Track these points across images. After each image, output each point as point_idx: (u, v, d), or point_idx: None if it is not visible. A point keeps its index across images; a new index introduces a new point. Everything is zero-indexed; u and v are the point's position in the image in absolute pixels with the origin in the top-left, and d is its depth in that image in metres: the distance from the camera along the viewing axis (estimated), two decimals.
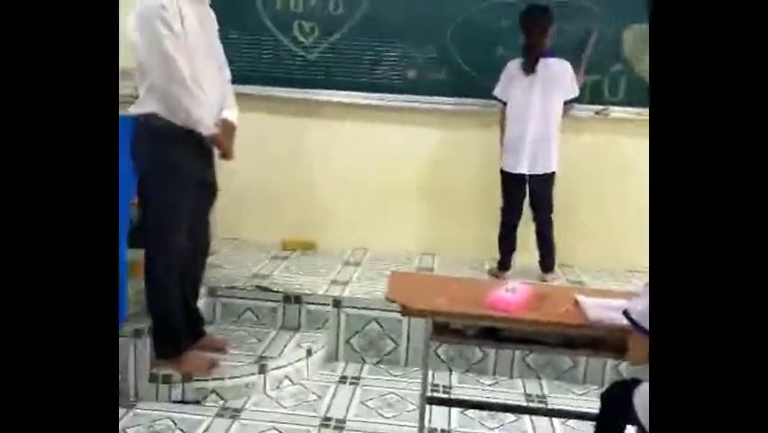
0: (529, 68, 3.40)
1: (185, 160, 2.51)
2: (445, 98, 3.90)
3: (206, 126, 2.51)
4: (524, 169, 3.47)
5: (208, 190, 2.72)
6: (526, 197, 3.56)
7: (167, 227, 2.54)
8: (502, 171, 3.56)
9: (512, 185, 3.54)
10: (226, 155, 2.64)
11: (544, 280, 3.52)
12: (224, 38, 2.75)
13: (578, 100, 3.58)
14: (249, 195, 4.02)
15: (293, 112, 4.01)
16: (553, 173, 3.50)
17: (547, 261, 3.59)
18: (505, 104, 3.52)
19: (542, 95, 3.41)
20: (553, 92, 3.42)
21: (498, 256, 3.66)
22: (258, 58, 3.94)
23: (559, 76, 3.42)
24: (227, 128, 2.63)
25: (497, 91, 3.55)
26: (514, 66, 3.48)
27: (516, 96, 3.46)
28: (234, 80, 2.79)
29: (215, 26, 2.67)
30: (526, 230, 3.61)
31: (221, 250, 3.82)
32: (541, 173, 3.47)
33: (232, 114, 2.67)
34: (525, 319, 2.04)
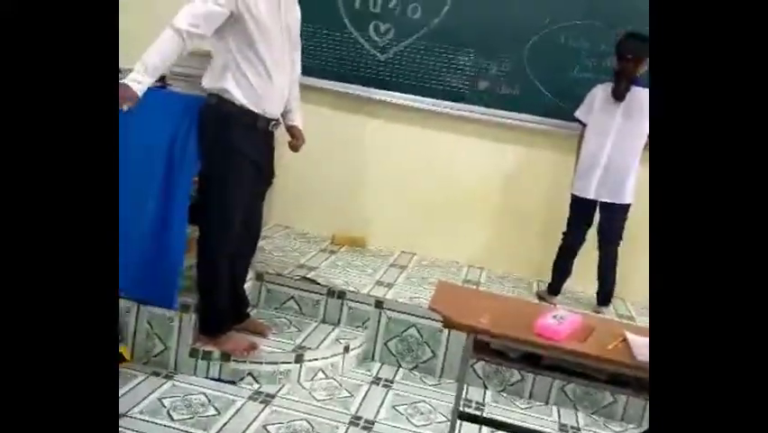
0: (619, 94, 3.29)
1: (247, 144, 2.56)
2: (514, 113, 3.85)
3: (273, 114, 2.61)
4: (591, 194, 3.37)
5: (266, 176, 2.77)
6: (593, 225, 3.48)
7: (224, 208, 2.59)
8: (572, 196, 3.47)
9: (578, 209, 3.45)
10: (295, 150, 2.83)
11: (598, 312, 3.43)
12: (301, 29, 2.79)
13: None
14: (305, 186, 4.07)
15: (357, 109, 4.03)
16: (628, 205, 3.38)
17: (605, 293, 3.49)
18: (584, 126, 3.43)
19: (625, 121, 3.30)
20: (639, 120, 3.29)
21: (549, 279, 3.59)
22: (330, 53, 3.97)
23: (647, 105, 3.29)
24: (299, 136, 2.84)
25: (579, 112, 3.45)
26: (601, 90, 3.38)
27: (598, 119, 3.36)
28: (304, 71, 2.84)
29: (297, 14, 2.71)
30: (587, 258, 3.52)
31: (272, 237, 3.88)
32: (611, 202, 3.36)
33: (299, 117, 2.86)
34: (572, 351, 1.99)
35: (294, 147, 2.86)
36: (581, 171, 3.41)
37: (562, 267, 3.53)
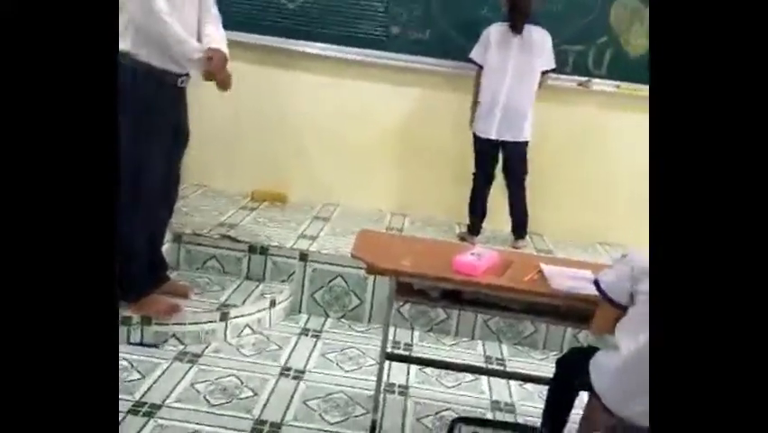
0: (518, 27, 3.33)
1: (157, 103, 2.45)
2: (426, 58, 3.84)
3: (194, 59, 2.43)
4: (494, 134, 3.45)
5: (180, 135, 2.66)
6: (499, 163, 3.56)
7: (138, 171, 2.48)
8: (474, 136, 3.54)
9: (484, 150, 3.53)
10: (223, 86, 2.56)
11: (516, 248, 3.55)
12: None
13: (560, 71, 3.56)
14: (219, 143, 3.94)
15: (269, 61, 3.91)
16: (527, 142, 3.49)
17: (519, 228, 3.61)
18: (481, 67, 3.47)
19: (520, 62, 3.38)
20: (533, 60, 3.39)
21: (468, 221, 3.67)
22: (239, 5, 3.81)
23: (539, 44, 3.39)
24: (220, 58, 2.51)
25: (474, 54, 3.49)
26: (495, 30, 3.43)
27: (494, 60, 3.41)
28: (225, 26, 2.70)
29: None
30: (500, 196, 3.62)
31: (188, 196, 3.76)
32: (513, 140, 3.46)
33: (223, 46, 2.57)
34: (490, 285, 2.05)
35: (209, 76, 2.49)
36: (483, 112, 3.47)
37: (478, 207, 3.62)
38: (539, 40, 3.38)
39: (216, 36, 2.59)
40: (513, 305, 2.17)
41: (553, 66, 3.46)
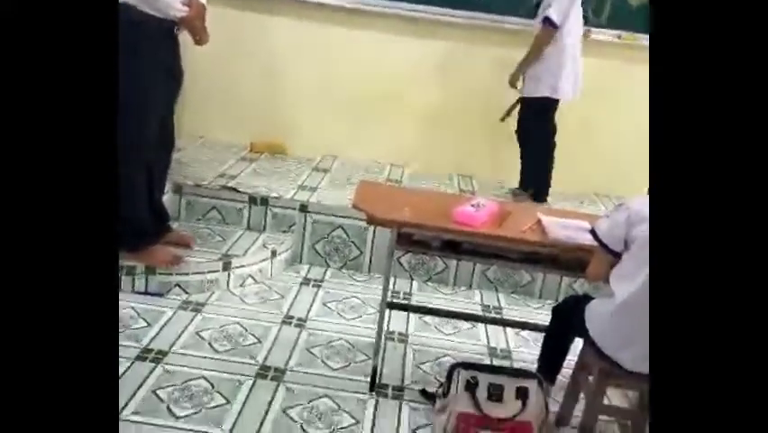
0: None
1: (152, 48, 2.45)
2: (428, 6, 3.78)
3: (177, 9, 2.43)
4: (571, 96, 3.40)
5: (176, 81, 2.65)
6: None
7: (136, 119, 2.48)
8: (549, 99, 3.39)
9: (551, 111, 3.46)
10: (200, 38, 2.57)
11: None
12: None
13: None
14: (217, 93, 3.91)
15: (267, 9, 3.85)
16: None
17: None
18: (556, 28, 3.24)
19: (581, 22, 3.35)
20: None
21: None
22: None
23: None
24: (197, 8, 2.53)
25: (555, 14, 3.20)
26: None
27: (574, 22, 3.31)
28: None
29: None
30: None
31: (187, 148, 3.76)
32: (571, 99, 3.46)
33: None
34: (489, 234, 2.08)
35: (189, 25, 2.52)
36: (566, 74, 3.35)
37: (548, 175, 3.58)
38: None
39: None
40: (511, 255, 2.21)
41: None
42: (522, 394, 1.97)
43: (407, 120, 4.00)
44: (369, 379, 2.27)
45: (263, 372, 2.29)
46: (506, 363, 2.55)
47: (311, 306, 2.82)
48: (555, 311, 2.20)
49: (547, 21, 3.22)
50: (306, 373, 2.32)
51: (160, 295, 2.69)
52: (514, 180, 3.69)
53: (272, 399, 2.15)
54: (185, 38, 2.61)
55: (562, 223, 2.17)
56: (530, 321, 2.72)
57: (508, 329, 2.78)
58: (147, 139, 2.53)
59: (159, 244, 2.75)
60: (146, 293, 2.68)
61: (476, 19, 3.76)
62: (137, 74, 2.41)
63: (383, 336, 2.50)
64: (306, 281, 3.06)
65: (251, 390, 2.18)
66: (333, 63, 3.92)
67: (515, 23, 3.73)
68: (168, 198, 3.03)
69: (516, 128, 3.57)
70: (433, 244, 2.23)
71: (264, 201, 3.22)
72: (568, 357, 2.16)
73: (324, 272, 3.17)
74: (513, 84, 3.44)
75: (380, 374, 2.32)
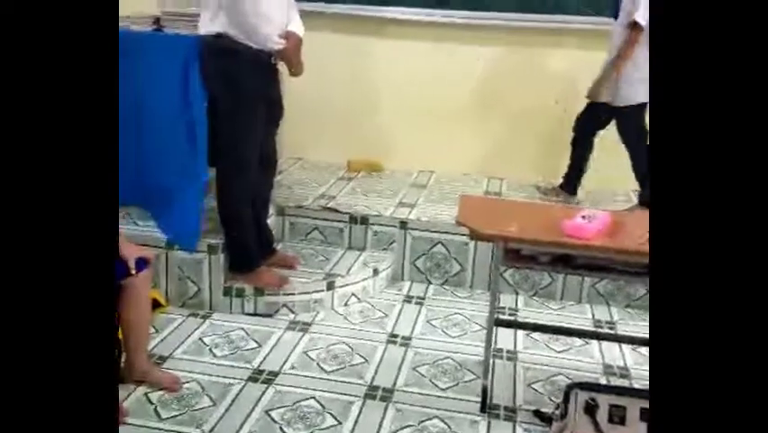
0: None
1: (252, 78, 2.51)
2: (513, 14, 3.72)
3: (275, 42, 2.49)
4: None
5: (276, 108, 2.72)
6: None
7: (239, 146, 2.57)
8: (639, 106, 3.23)
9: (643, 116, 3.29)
10: (295, 70, 2.62)
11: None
12: None
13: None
14: (313, 115, 3.99)
15: (356, 30, 3.91)
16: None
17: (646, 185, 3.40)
18: (641, 30, 3.11)
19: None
20: None
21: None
22: None
23: None
24: (294, 41, 2.57)
25: (641, 17, 3.08)
26: None
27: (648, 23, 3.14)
28: None
29: None
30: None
31: (287, 170, 3.85)
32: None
33: (298, 28, 2.62)
34: (605, 247, 1.98)
35: (285, 58, 2.57)
36: (645, 78, 3.10)
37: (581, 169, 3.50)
38: None
39: (294, 20, 2.62)
40: (627, 267, 2.09)
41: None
42: (647, 415, 1.84)
43: (501, 128, 3.93)
44: (479, 399, 2.21)
45: (372, 392, 2.28)
46: (624, 383, 2.41)
47: (415, 324, 2.79)
48: None
49: (635, 24, 3.11)
50: (415, 393, 2.29)
51: (269, 316, 2.75)
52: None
53: (382, 419, 2.13)
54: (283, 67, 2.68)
55: None
56: (647, 336, 2.56)
57: (625, 346, 2.63)
58: (249, 164, 2.60)
59: (265, 266, 2.83)
60: (255, 314, 2.75)
61: (550, 22, 3.67)
62: (235, 102, 2.50)
63: (491, 354, 2.43)
64: (408, 299, 3.04)
65: (360, 410, 2.17)
66: (422, 78, 3.91)
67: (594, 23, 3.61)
68: (272, 221, 3.11)
69: (576, 131, 3.47)
70: (541, 258, 2.15)
71: (364, 220, 3.24)
72: None
73: (426, 289, 3.14)
74: (595, 96, 3.29)
75: (491, 394, 2.26)
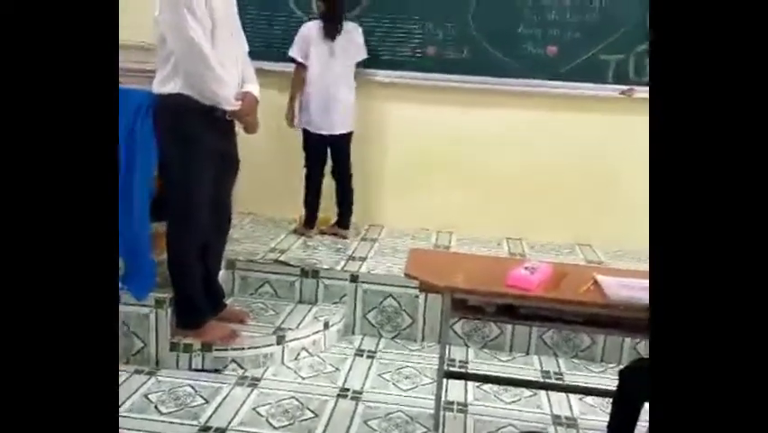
0: (331, 34, 3.52)
1: (206, 134, 2.53)
2: (465, 76, 3.88)
3: (230, 103, 2.53)
4: (329, 130, 3.60)
5: (230, 165, 2.74)
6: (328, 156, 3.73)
7: (189, 201, 2.57)
8: (306, 132, 3.66)
9: (317, 145, 3.66)
10: (249, 129, 2.67)
11: (344, 237, 3.75)
12: (240, 14, 2.74)
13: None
14: (265, 170, 4.01)
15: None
16: (351, 132, 3.69)
17: (347, 217, 3.78)
18: (302, 66, 3.57)
19: (342, 58, 3.56)
20: (351, 55, 3.61)
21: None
22: (273, 33, 3.91)
23: (354, 39, 3.62)
24: (249, 101, 2.63)
25: (294, 52, 3.57)
26: (312, 28, 3.56)
27: (318, 59, 3.54)
28: (251, 55, 2.79)
29: (234, 1, 2.67)
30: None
31: (238, 224, 3.85)
32: (344, 133, 3.65)
33: (254, 88, 2.68)
34: (547, 298, 2.05)
35: (241, 118, 2.62)
36: (316, 109, 3.58)
37: (316, 199, 3.78)
38: (353, 34, 3.62)
39: (249, 77, 2.69)
40: (570, 317, 2.16)
41: (365, 56, 3.71)
42: None
43: (453, 184, 4.03)
44: None
45: None
46: None
47: (366, 377, 2.78)
48: (622, 375, 2.11)
49: (290, 59, 3.59)
50: None
51: (218, 371, 2.70)
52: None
53: None
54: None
55: (622, 282, 2.12)
56: (594, 386, 2.62)
57: (572, 396, 2.68)
58: (199, 219, 2.59)
59: (214, 320, 2.79)
60: (203, 370, 2.70)
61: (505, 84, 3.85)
62: (186, 155, 2.51)
63: (442, 407, 2.44)
64: (359, 352, 3.03)
65: None
66: (373, 133, 4.00)
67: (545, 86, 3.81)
68: (222, 275, 3.09)
69: None
70: (488, 309, 2.20)
71: (315, 273, 3.24)
72: (639, 422, 2.06)
73: (378, 343, 3.14)
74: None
75: None
